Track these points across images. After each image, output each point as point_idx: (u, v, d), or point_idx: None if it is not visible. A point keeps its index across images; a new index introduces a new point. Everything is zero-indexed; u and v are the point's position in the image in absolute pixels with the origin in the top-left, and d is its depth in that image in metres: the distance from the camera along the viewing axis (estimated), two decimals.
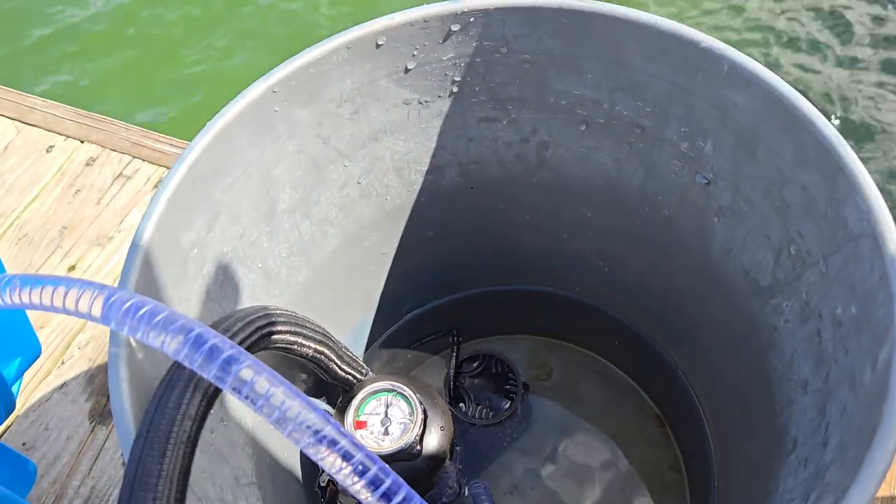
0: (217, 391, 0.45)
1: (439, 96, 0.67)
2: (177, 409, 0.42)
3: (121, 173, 1.27)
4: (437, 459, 0.71)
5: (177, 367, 0.44)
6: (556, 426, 0.92)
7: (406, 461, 0.69)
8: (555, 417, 0.93)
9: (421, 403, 0.71)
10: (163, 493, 0.38)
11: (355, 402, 0.71)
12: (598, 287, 0.86)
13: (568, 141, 0.71)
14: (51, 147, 1.32)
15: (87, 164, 1.29)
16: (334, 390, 0.76)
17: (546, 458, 0.90)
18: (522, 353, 0.97)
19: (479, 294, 0.91)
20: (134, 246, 0.50)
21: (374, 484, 0.39)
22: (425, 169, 0.74)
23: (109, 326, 0.40)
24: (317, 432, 0.38)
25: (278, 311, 0.58)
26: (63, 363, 1.08)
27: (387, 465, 0.39)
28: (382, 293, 0.84)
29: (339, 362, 0.71)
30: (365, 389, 0.72)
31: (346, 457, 0.38)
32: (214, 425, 0.56)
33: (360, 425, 0.70)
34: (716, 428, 0.79)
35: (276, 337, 0.57)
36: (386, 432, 0.70)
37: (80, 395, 1.05)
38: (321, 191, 0.69)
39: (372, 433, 0.70)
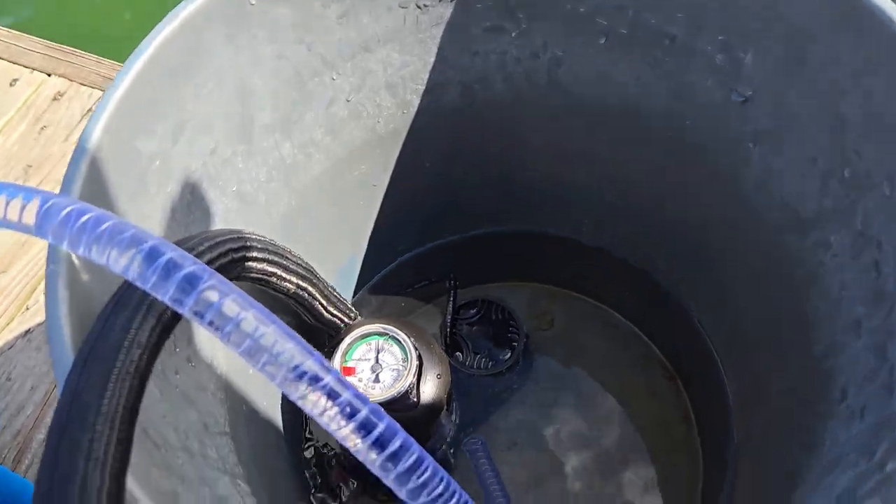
0: (176, 316, 0.37)
1: (440, 0, 0.59)
2: (124, 333, 0.34)
3: (90, 109, 1.18)
4: (432, 410, 0.65)
5: (127, 285, 0.36)
6: (558, 378, 0.86)
7: (398, 412, 0.62)
8: (557, 369, 0.86)
9: (416, 349, 0.64)
10: (102, 433, 0.31)
11: (342, 346, 0.64)
12: (608, 225, 0.78)
13: (584, 57, 0.63)
14: (15, 80, 1.22)
15: (55, 99, 1.20)
16: (319, 335, 0.68)
17: (547, 413, 0.83)
18: (523, 301, 0.90)
19: (480, 236, 0.84)
20: (79, 150, 0.42)
21: (364, 428, 0.31)
22: (423, 87, 0.66)
23: (46, 239, 0.33)
24: (296, 367, 0.31)
25: (255, 237, 0.51)
26: (27, 309, 1.00)
27: (380, 408, 0.32)
28: (373, 231, 0.77)
29: (324, 302, 0.64)
30: (353, 333, 0.65)
31: (332, 396, 0.31)
32: (180, 365, 0.49)
33: (347, 372, 0.63)
34: (735, 379, 0.73)
35: (250, 265, 0.50)
36: (377, 379, 0.63)
37: (45, 342, 0.97)
38: (305, 108, 0.61)
39: (361, 380, 0.63)
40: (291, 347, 0.31)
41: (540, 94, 0.67)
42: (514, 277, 0.90)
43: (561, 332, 0.89)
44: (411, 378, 0.63)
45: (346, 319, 0.68)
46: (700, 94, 0.60)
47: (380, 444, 0.31)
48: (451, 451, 0.76)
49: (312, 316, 0.64)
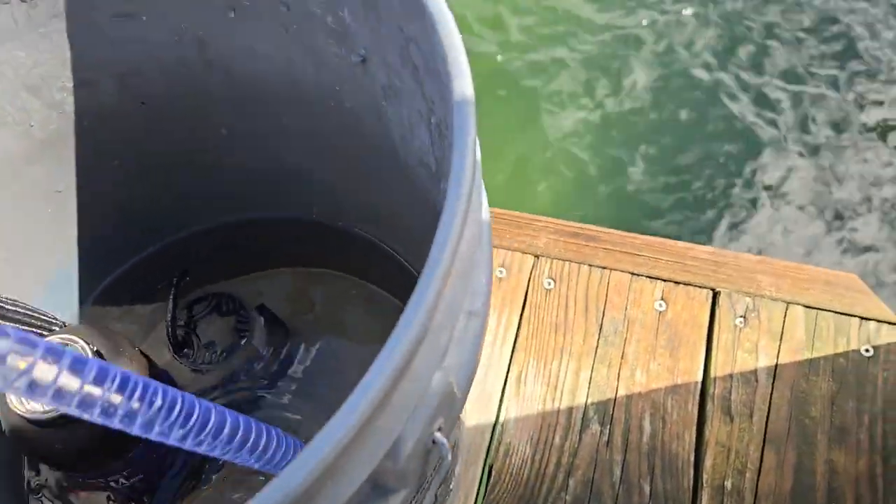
0: None
1: None
2: None
3: None
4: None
5: None
6: (324, 360, 0.85)
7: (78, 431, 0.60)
8: (323, 351, 0.86)
9: (98, 354, 0.62)
10: None
11: None
12: (328, 204, 0.78)
13: (225, 35, 0.61)
14: None
15: None
16: None
17: (313, 397, 0.83)
18: (282, 288, 0.89)
19: (210, 230, 0.82)
20: None
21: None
22: (70, 85, 0.63)
23: None
24: None
25: None
26: None
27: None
28: (80, 240, 0.74)
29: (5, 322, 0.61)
30: None
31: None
32: None
33: None
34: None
35: None
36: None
37: None
38: None
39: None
40: None
41: (203, 79, 0.65)
42: (269, 265, 0.89)
43: (323, 314, 0.88)
44: None
45: (44, 333, 0.66)
46: (332, 58, 0.59)
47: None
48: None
49: None
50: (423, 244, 0.60)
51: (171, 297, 0.76)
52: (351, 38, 0.55)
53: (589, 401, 0.88)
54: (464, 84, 0.37)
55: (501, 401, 0.91)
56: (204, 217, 0.81)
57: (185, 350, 0.77)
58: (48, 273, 0.74)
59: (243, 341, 0.78)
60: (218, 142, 0.72)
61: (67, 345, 0.62)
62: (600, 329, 0.92)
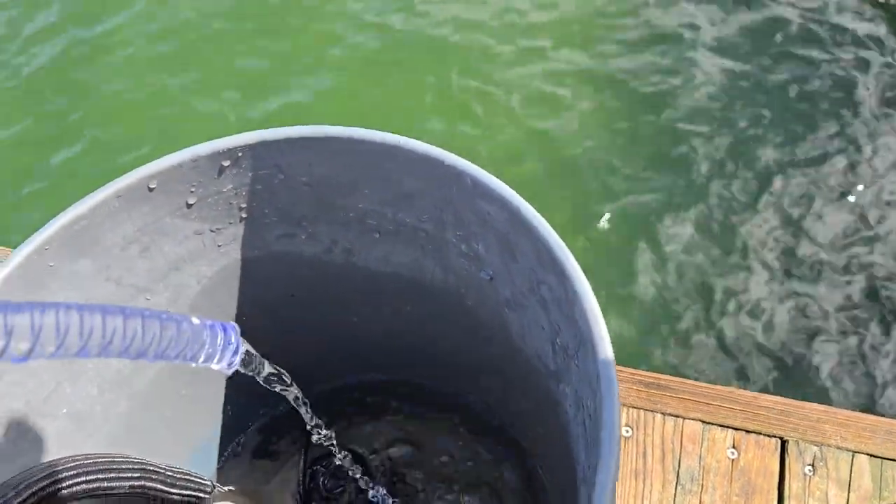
0: None
1: (230, 223, 0.70)
2: None
3: None
4: None
5: None
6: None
7: None
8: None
9: None
10: None
11: None
12: (440, 374, 0.88)
13: (367, 247, 0.74)
14: None
15: None
16: None
17: None
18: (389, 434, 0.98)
19: (334, 389, 0.93)
20: None
21: None
22: (237, 285, 0.76)
23: None
24: None
25: (69, 463, 0.59)
26: None
27: None
28: (224, 407, 0.85)
29: (168, 488, 0.71)
30: None
31: None
32: None
33: None
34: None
35: (66, 492, 0.58)
36: None
37: None
38: None
39: None
40: None
41: (343, 274, 0.78)
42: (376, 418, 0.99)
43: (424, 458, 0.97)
44: None
45: (200, 495, 0.76)
46: (461, 271, 0.71)
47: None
48: None
49: (163, 502, 0.71)
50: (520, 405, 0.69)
51: (302, 458, 0.86)
52: (481, 261, 0.67)
53: None
54: (611, 384, 0.48)
55: None
56: (323, 381, 0.92)
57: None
58: (194, 441, 0.84)
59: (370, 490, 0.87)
60: (348, 321, 0.84)
61: None
62: (677, 477, 1.00)
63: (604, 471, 0.45)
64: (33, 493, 0.53)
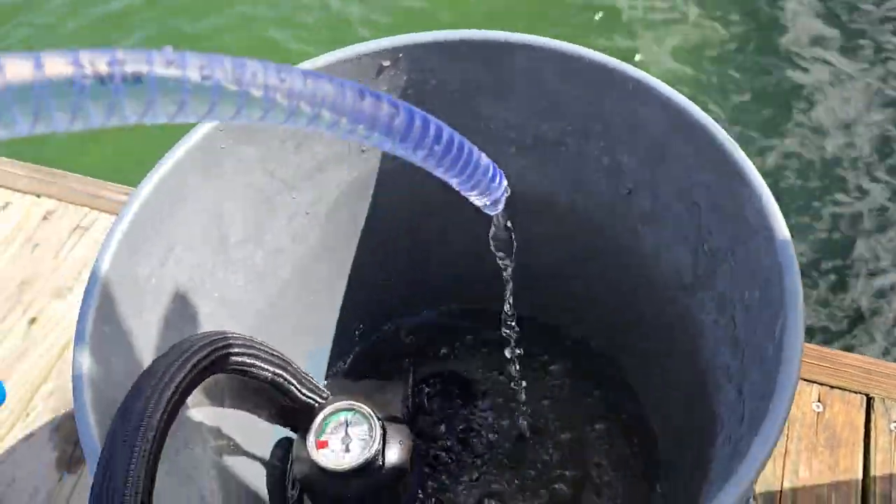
0: (178, 402, 0.48)
1: None
2: (140, 420, 0.45)
3: (78, 225, 1.30)
4: (398, 471, 0.74)
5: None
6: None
7: (368, 476, 0.72)
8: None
9: (379, 420, 0.75)
10: (130, 498, 0.41)
11: (316, 422, 0.74)
12: (551, 303, 0.90)
13: (502, 162, 0.76)
14: (7, 204, 1.33)
15: (45, 219, 1.31)
16: (297, 416, 0.78)
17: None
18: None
19: (436, 315, 0.96)
20: (92, 280, 0.53)
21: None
22: (371, 194, 0.78)
23: None
24: None
25: (235, 336, 0.62)
26: (28, 415, 1.09)
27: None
28: (338, 324, 0.88)
29: (298, 386, 0.74)
30: (325, 411, 0.75)
31: None
32: (179, 446, 0.59)
33: (321, 445, 0.73)
34: (663, 428, 0.84)
35: (233, 359, 0.61)
36: (347, 449, 0.73)
37: (46, 444, 1.05)
38: (272, 222, 0.73)
39: (333, 451, 0.72)
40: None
41: None
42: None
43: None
44: (377, 446, 0.73)
45: (319, 400, 0.79)
46: (596, 187, 0.73)
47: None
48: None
49: (290, 399, 0.74)
50: (633, 338, 0.71)
51: (410, 377, 0.89)
52: (622, 174, 0.69)
53: (756, 491, 0.96)
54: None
55: None
56: (428, 306, 0.95)
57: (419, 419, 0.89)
58: (310, 346, 0.87)
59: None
60: (467, 246, 0.86)
61: (356, 411, 0.75)
62: None
63: (785, 383, 0.45)
64: (214, 350, 0.56)
